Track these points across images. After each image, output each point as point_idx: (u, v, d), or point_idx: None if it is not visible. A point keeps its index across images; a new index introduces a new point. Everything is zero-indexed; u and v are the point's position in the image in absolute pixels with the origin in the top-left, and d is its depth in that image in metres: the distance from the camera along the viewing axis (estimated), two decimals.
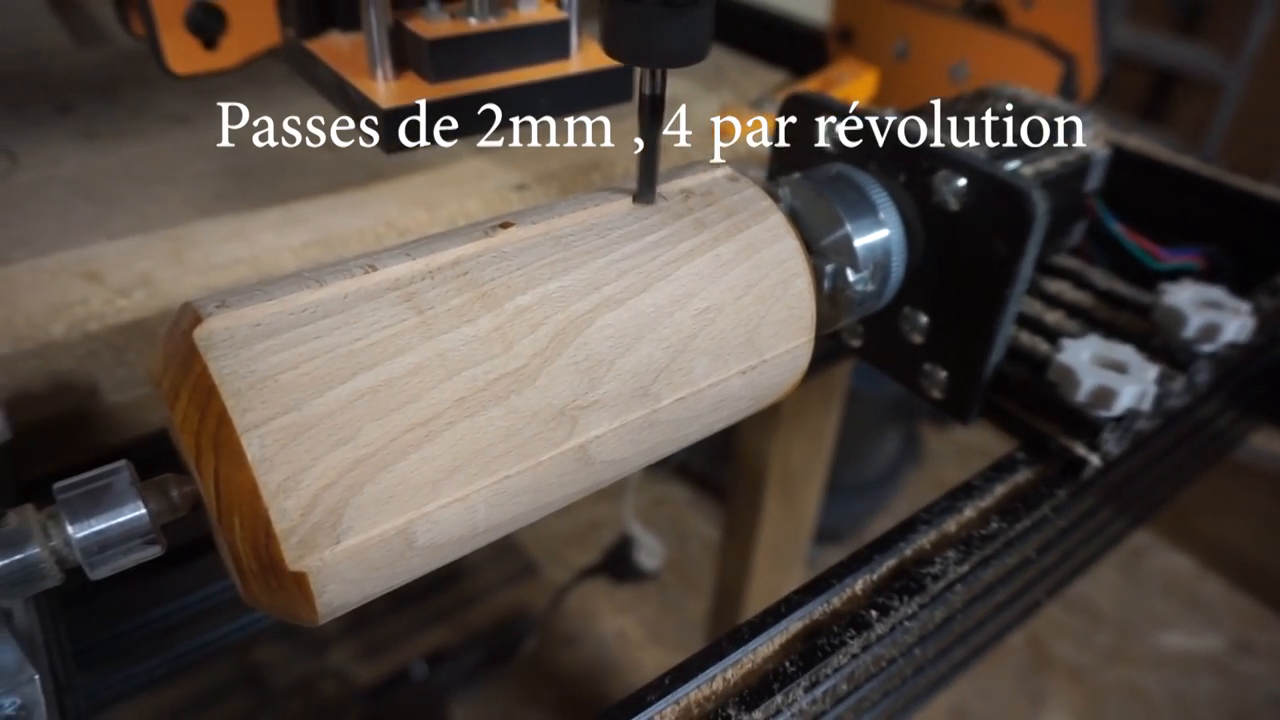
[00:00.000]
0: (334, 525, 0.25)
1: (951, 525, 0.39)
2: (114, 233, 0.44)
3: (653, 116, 0.32)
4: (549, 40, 0.47)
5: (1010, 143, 0.44)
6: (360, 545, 0.26)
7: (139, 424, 0.40)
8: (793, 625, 0.34)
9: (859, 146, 0.42)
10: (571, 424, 0.29)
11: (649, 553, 1.18)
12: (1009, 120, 0.45)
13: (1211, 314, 0.43)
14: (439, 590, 1.61)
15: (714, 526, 1.81)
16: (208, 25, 0.45)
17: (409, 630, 1.55)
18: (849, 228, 0.39)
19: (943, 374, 0.43)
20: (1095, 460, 0.40)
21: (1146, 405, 0.39)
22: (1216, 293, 0.44)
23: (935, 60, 0.70)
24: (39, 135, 0.52)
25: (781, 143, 0.46)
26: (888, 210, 0.40)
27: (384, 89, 0.43)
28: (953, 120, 0.45)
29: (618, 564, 1.21)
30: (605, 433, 0.30)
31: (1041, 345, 0.44)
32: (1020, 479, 0.41)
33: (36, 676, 0.26)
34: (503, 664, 1.52)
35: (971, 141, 0.43)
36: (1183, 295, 0.44)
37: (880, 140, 0.41)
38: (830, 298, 0.39)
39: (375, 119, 0.42)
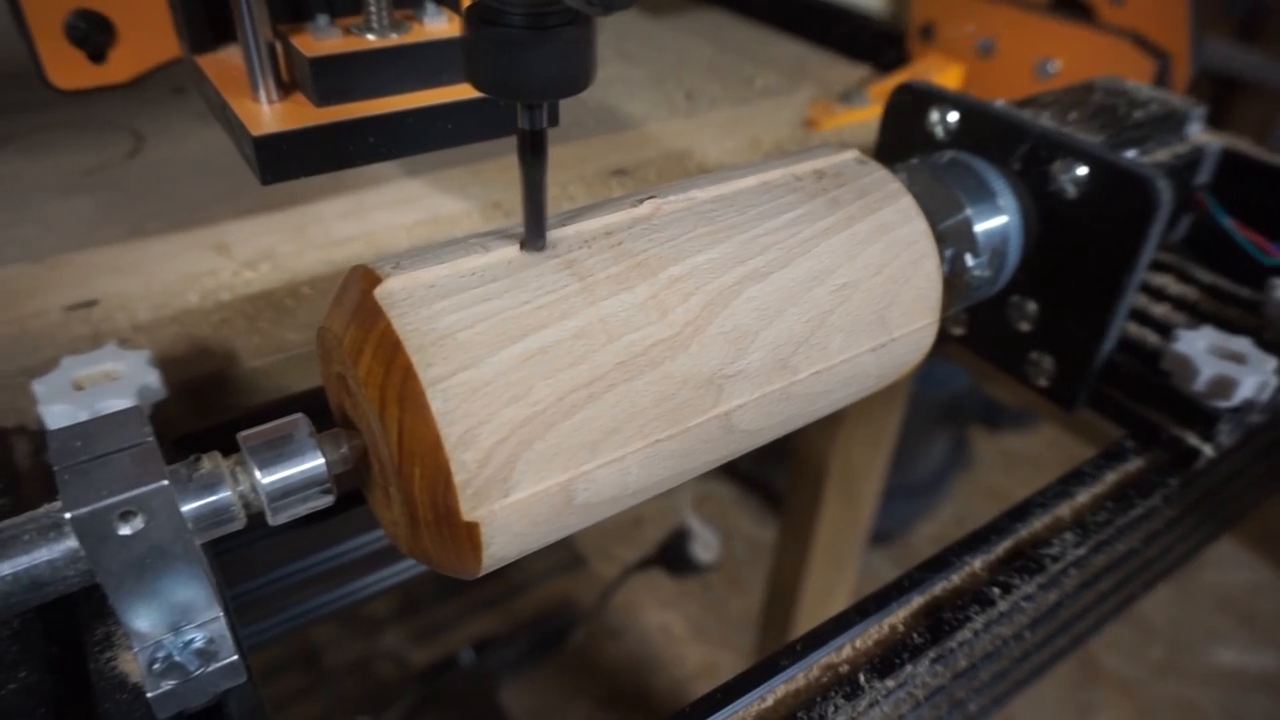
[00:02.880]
0: (505, 479, 0.26)
1: (1065, 510, 0.39)
2: (240, 208, 0.46)
3: (534, 154, 0.27)
4: (457, 59, 0.40)
5: (1125, 133, 0.44)
6: (526, 500, 0.27)
7: (273, 389, 0.41)
8: (915, 600, 0.35)
9: (970, 135, 0.43)
10: (718, 392, 0.30)
11: (704, 546, 1.19)
12: (1121, 112, 0.45)
13: None
14: (488, 578, 1.63)
15: (759, 525, 1.81)
16: (92, 36, 0.41)
17: (459, 616, 1.57)
18: (969, 213, 0.39)
19: (1050, 362, 0.43)
20: (1209, 451, 0.40)
21: (1265, 396, 0.39)
22: None
23: (1021, 56, 0.70)
24: (160, 116, 0.54)
25: (889, 131, 0.47)
26: (1006, 197, 0.40)
27: (265, 112, 0.38)
28: (1063, 111, 0.45)
29: (673, 556, 1.22)
30: (747, 402, 0.31)
31: (1150, 336, 0.44)
32: (1130, 468, 0.41)
33: (222, 614, 0.27)
34: (549, 653, 1.53)
35: (1087, 132, 0.44)
36: None
37: (996, 128, 0.41)
38: (948, 282, 0.39)
39: (249, 146, 0.37)
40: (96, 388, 0.35)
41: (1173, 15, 0.64)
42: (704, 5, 0.89)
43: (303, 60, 0.38)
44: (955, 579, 0.36)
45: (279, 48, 0.39)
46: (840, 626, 0.33)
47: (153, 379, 0.36)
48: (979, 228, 0.39)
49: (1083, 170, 0.39)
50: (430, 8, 0.41)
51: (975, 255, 0.39)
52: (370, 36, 0.39)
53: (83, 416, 0.34)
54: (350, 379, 0.27)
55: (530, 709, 1.48)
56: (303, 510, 0.28)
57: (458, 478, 0.25)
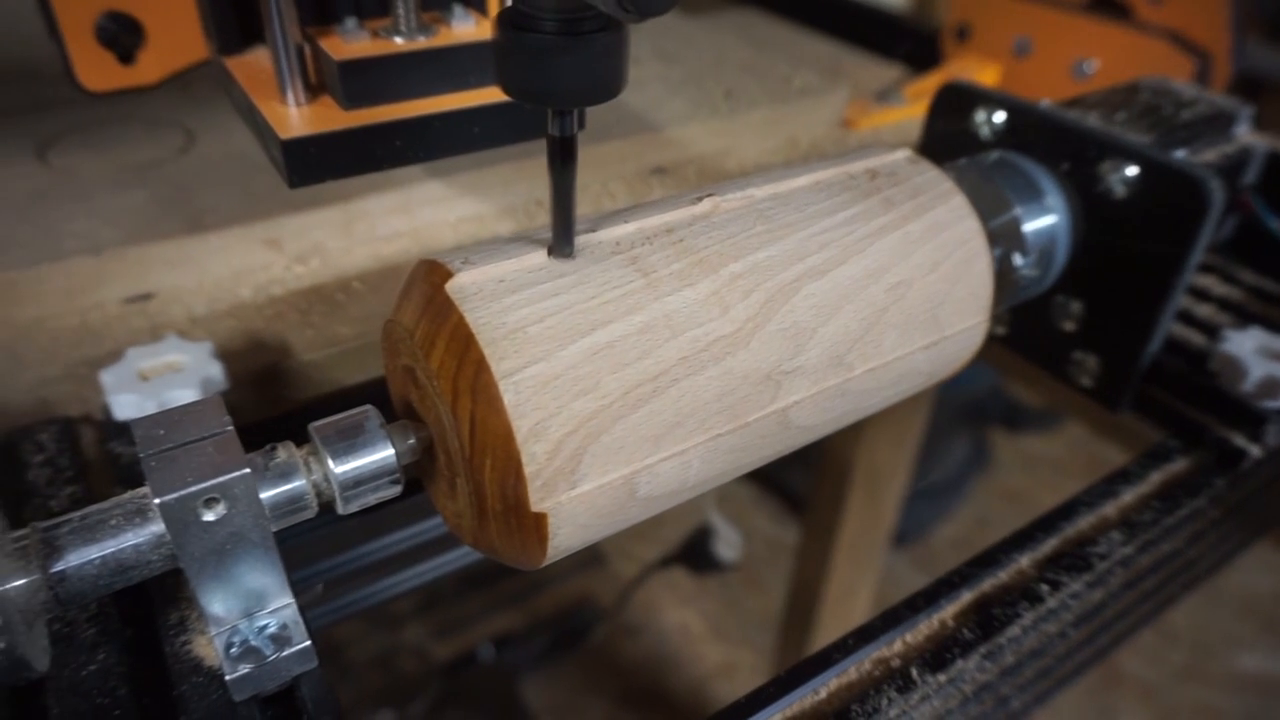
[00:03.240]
0: (572, 471, 0.27)
1: (1111, 509, 0.39)
2: (289, 204, 0.47)
3: (564, 161, 0.27)
4: (485, 62, 0.40)
5: (1173, 134, 0.44)
6: (591, 492, 0.27)
7: (326, 382, 0.42)
8: (964, 595, 0.35)
9: (1017, 135, 0.43)
10: (776, 388, 0.30)
11: (728, 544, 1.19)
12: (1168, 112, 0.45)
13: None
14: (509, 574, 1.64)
15: (777, 525, 1.81)
16: (121, 38, 0.41)
17: (480, 612, 1.58)
18: (1018, 212, 0.39)
19: (1095, 362, 0.43)
20: (1256, 451, 0.40)
21: None
22: None
23: (1057, 56, 0.70)
24: (208, 112, 0.55)
25: (933, 130, 0.47)
26: (1054, 196, 0.40)
27: (293, 115, 0.38)
28: (1110, 112, 0.45)
29: (696, 554, 1.22)
30: (804, 398, 0.31)
31: (1195, 337, 0.44)
32: (1175, 468, 0.41)
33: (293, 600, 0.28)
34: (569, 650, 1.54)
35: (1132, 132, 0.44)
36: None
37: (1044, 129, 0.42)
38: (996, 281, 0.39)
39: (276, 149, 0.37)
40: (161, 378, 0.36)
41: (1213, 14, 0.64)
42: (737, 4, 0.89)
43: (331, 63, 0.38)
44: (1003, 576, 0.36)
45: (307, 50, 0.39)
46: (891, 622, 0.33)
47: (215, 370, 0.36)
48: (1027, 227, 0.39)
49: (1133, 170, 0.39)
50: (458, 10, 0.41)
51: (1024, 254, 0.39)
52: (398, 39, 0.39)
53: (150, 406, 0.35)
54: (420, 371, 0.28)
55: (550, 705, 1.49)
56: (372, 500, 0.28)
57: (528, 469, 0.26)
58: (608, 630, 1.56)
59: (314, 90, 0.39)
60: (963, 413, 1.78)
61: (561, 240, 0.28)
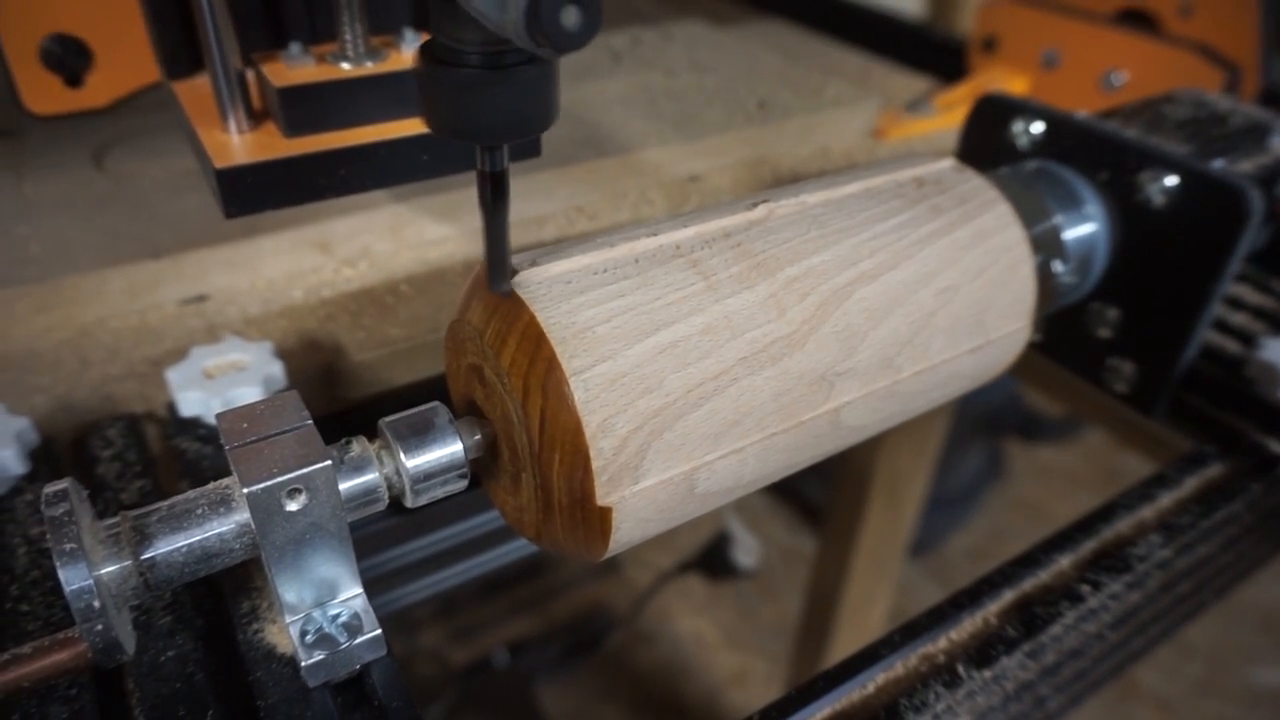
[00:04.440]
0: (636, 466, 0.27)
1: (1149, 512, 0.40)
2: (337, 207, 0.48)
3: (494, 196, 0.26)
4: None
5: (1210, 144, 0.45)
6: (653, 487, 0.28)
7: (378, 382, 0.43)
8: (1006, 594, 0.36)
9: (1054, 145, 0.44)
10: (829, 389, 0.31)
11: (746, 550, 1.20)
12: (1205, 124, 0.46)
13: None
14: (524, 581, 1.64)
15: (792, 533, 1.81)
16: (68, 61, 0.40)
17: (497, 618, 1.59)
18: (1058, 220, 0.40)
19: (1131, 369, 0.44)
20: None
21: None
22: None
23: (1086, 68, 0.71)
24: None
25: (970, 139, 0.48)
26: (1093, 205, 0.41)
27: (234, 143, 0.37)
28: (1148, 122, 0.46)
29: (713, 560, 1.22)
30: (855, 399, 0.32)
31: (1230, 345, 0.45)
32: (1212, 473, 0.42)
33: (363, 590, 0.29)
34: (584, 657, 1.54)
35: (1170, 143, 0.44)
36: None
37: (1082, 139, 0.42)
38: (1039, 287, 0.40)
39: (211, 178, 0.36)
40: (225, 377, 0.37)
41: (1242, 26, 0.65)
42: (766, 15, 0.90)
43: (272, 90, 0.37)
44: (1044, 575, 0.37)
45: (251, 76, 0.38)
46: (935, 619, 0.34)
47: (276, 369, 0.37)
48: (1067, 234, 0.40)
49: (1172, 180, 0.39)
50: (409, 35, 0.40)
51: (1064, 262, 0.40)
52: (345, 65, 0.38)
53: (215, 403, 0.36)
54: (489, 369, 0.29)
55: (564, 711, 1.49)
56: (440, 494, 0.29)
57: (595, 464, 0.27)
58: (622, 637, 1.57)
59: (258, 118, 0.38)
60: (978, 423, 1.78)
61: (496, 276, 0.27)
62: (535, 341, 0.27)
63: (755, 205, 0.33)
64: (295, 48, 0.38)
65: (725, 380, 0.29)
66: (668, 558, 1.55)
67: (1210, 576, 0.44)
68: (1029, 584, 0.36)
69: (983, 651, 0.33)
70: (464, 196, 0.51)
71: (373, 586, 0.44)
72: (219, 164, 0.35)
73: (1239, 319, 0.47)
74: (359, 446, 0.28)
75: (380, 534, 0.42)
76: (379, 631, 0.28)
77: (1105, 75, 0.70)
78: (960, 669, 0.32)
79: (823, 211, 0.34)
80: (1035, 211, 0.41)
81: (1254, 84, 0.65)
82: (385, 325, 0.44)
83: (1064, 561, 0.37)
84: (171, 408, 0.37)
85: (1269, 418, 0.41)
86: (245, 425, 0.26)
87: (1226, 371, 0.43)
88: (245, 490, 0.25)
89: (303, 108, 0.37)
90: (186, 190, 0.49)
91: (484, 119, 0.24)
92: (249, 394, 0.36)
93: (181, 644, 0.29)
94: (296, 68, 0.37)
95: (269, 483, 0.25)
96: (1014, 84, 0.73)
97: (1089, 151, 0.43)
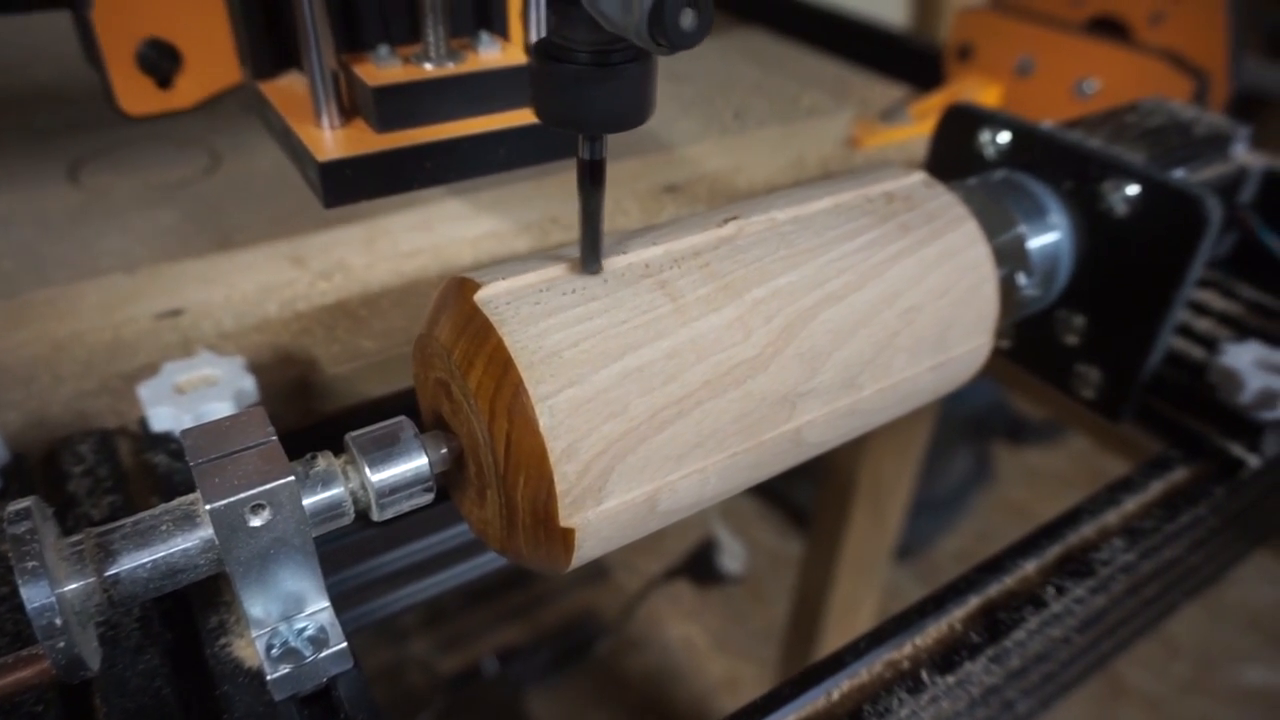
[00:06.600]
0: (599, 489, 0.28)
1: (1113, 517, 0.40)
2: (312, 222, 0.48)
3: (593, 183, 0.29)
4: (511, 87, 0.42)
5: (1172, 154, 0.45)
6: (616, 508, 0.28)
7: (352, 395, 0.43)
8: (971, 600, 0.36)
9: (1021, 155, 0.44)
10: (791, 408, 0.32)
11: (731, 556, 1.20)
12: (1168, 133, 0.46)
13: None
14: (513, 588, 1.64)
15: (782, 538, 1.82)
16: (161, 64, 0.42)
17: (485, 626, 1.59)
18: (1022, 230, 0.41)
19: (1097, 375, 0.44)
20: (1254, 461, 0.41)
21: None
22: None
23: (1059, 76, 0.72)
24: (233, 132, 0.57)
25: (939, 149, 0.48)
26: (1057, 215, 0.42)
27: (328, 138, 0.39)
28: (1112, 132, 0.47)
29: (700, 567, 1.23)
30: (816, 418, 0.32)
31: (1194, 350, 0.45)
32: (1176, 477, 0.42)
33: (329, 604, 0.29)
34: (574, 664, 1.54)
35: (1133, 152, 0.45)
36: None
37: (1047, 149, 0.43)
38: (1001, 299, 0.41)
39: (314, 171, 0.38)
40: (197, 392, 0.37)
41: (1211, 34, 0.66)
42: (745, 25, 0.91)
43: (365, 89, 0.39)
44: (1009, 581, 0.37)
45: (340, 76, 0.41)
46: (901, 625, 0.34)
47: (248, 384, 0.38)
48: (1032, 245, 0.41)
49: (1134, 189, 0.40)
50: (485, 37, 0.43)
51: (1028, 273, 0.41)
52: (428, 66, 0.40)
53: (186, 419, 0.36)
54: (457, 388, 0.29)
55: (554, 718, 1.49)
56: (405, 507, 0.29)
57: (559, 487, 0.27)
58: (612, 644, 1.57)
59: (347, 114, 0.41)
60: (965, 426, 1.79)
61: (589, 257, 0.30)
62: (503, 365, 0.27)
63: (726, 222, 0.33)
64: (384, 49, 0.41)
65: (689, 404, 0.29)
66: (658, 563, 1.55)
67: (1178, 579, 0.45)
68: (994, 590, 0.37)
69: (947, 657, 0.34)
70: (436, 211, 0.51)
71: (352, 597, 0.44)
72: (321, 158, 0.38)
73: (1204, 325, 0.48)
74: (324, 461, 0.28)
75: (358, 545, 0.43)
76: (345, 645, 0.28)
77: (1078, 83, 0.70)
78: (924, 675, 0.33)
79: (792, 229, 0.34)
80: (1001, 223, 0.41)
81: (1223, 91, 0.66)
82: (359, 338, 0.44)
83: (1029, 567, 0.38)
84: (144, 423, 0.37)
85: (1231, 422, 0.42)
86: (210, 442, 0.27)
87: (1191, 377, 0.44)
88: (208, 506, 0.25)
89: (393, 105, 0.39)
90: (161, 205, 0.49)
91: (589, 111, 0.26)
92: (220, 409, 0.36)
93: (149, 659, 0.29)
94: (386, 68, 0.40)
95: (232, 499, 0.25)
96: (988, 92, 0.74)
97: (1054, 161, 0.43)
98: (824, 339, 0.32)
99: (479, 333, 0.28)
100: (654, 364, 0.29)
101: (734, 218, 0.33)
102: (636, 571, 1.64)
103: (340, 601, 0.31)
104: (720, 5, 0.91)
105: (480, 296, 0.28)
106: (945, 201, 0.37)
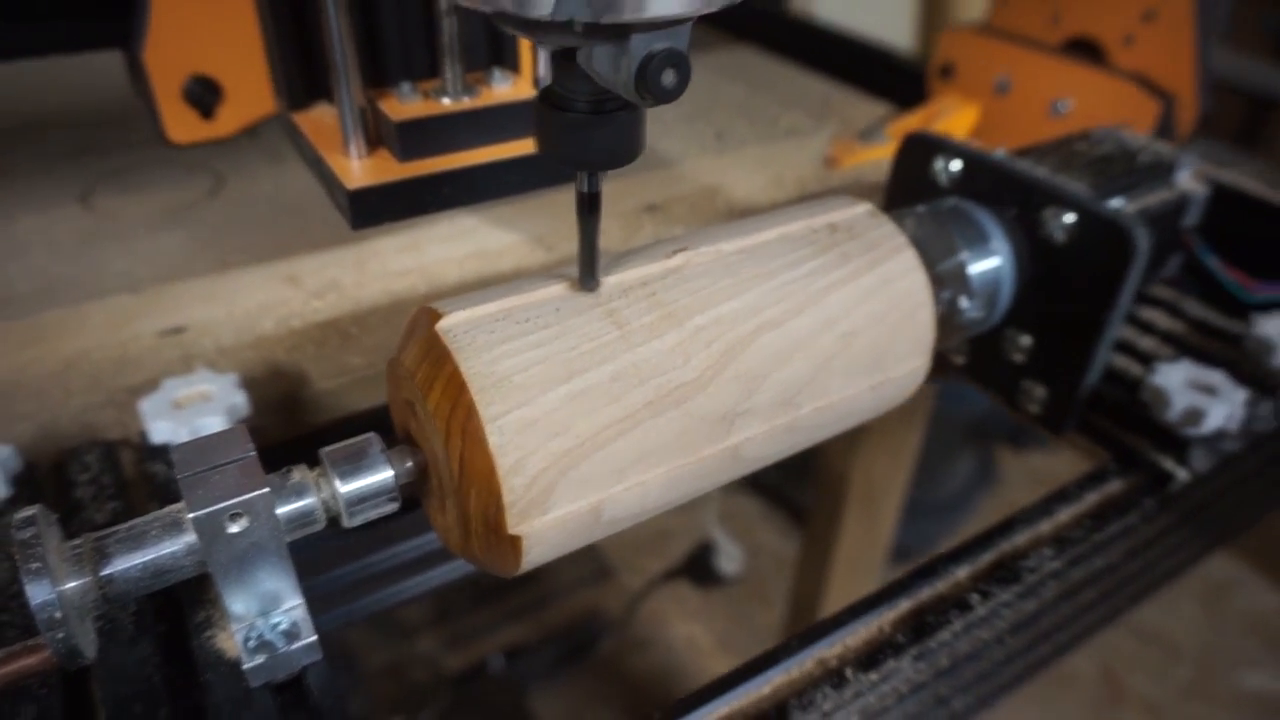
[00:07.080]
0: (545, 500, 0.31)
1: (1046, 526, 0.43)
2: (309, 243, 0.52)
3: (590, 212, 0.33)
4: (521, 119, 0.46)
5: (1114, 182, 0.48)
6: (562, 517, 0.31)
7: (339, 408, 0.46)
8: (902, 604, 0.39)
9: (972, 182, 0.47)
10: (729, 426, 0.34)
11: (729, 558, 1.23)
12: (1113, 161, 0.49)
13: None
14: (518, 588, 1.67)
15: (784, 540, 1.84)
16: (205, 97, 0.46)
17: (490, 624, 1.62)
18: (964, 256, 0.43)
19: (1041, 391, 0.47)
20: (1182, 474, 0.44)
21: (1234, 426, 0.43)
22: None
23: (1035, 96, 0.74)
24: (236, 156, 0.60)
25: (898, 176, 0.51)
26: (999, 241, 0.44)
27: (355, 166, 0.43)
28: (1060, 160, 0.49)
29: (698, 568, 1.26)
30: (755, 435, 0.35)
31: (1135, 368, 0.48)
32: (1112, 489, 0.45)
33: (303, 601, 0.32)
34: (578, 662, 1.57)
35: (1078, 180, 0.48)
36: (1273, 326, 0.47)
37: (995, 177, 0.46)
38: (943, 319, 0.43)
39: (343, 197, 0.42)
40: (193, 407, 0.40)
41: (1178, 58, 0.68)
42: (736, 42, 0.94)
43: (389, 123, 0.43)
44: (940, 586, 0.40)
45: (368, 111, 0.44)
46: (832, 626, 0.37)
47: (240, 399, 0.41)
48: (972, 270, 0.43)
49: (1070, 217, 0.43)
50: (497, 73, 0.47)
51: (969, 296, 0.43)
52: (446, 100, 0.44)
53: (183, 433, 0.39)
54: (419, 408, 0.32)
55: (558, 716, 1.52)
56: (373, 515, 0.33)
57: (506, 499, 0.30)
58: (616, 642, 1.60)
59: (372, 144, 0.44)
60: (968, 430, 1.80)
61: (587, 275, 0.33)
62: (458, 389, 0.30)
63: (675, 253, 0.36)
64: (406, 86, 0.44)
65: (630, 423, 0.32)
66: (661, 564, 1.58)
67: (1119, 584, 0.47)
68: (925, 594, 0.40)
69: (872, 656, 0.36)
70: (424, 233, 0.54)
71: (336, 599, 0.48)
72: (350, 186, 0.42)
73: (1147, 343, 0.50)
74: (298, 474, 0.31)
75: (335, 551, 0.46)
76: (315, 638, 0.31)
77: (1053, 103, 0.73)
78: (848, 672, 0.36)
79: (737, 260, 0.37)
80: (944, 249, 0.44)
81: (1190, 112, 0.68)
82: (347, 354, 0.48)
83: (961, 573, 0.40)
84: (144, 435, 0.41)
85: (1161, 437, 0.44)
86: (196, 456, 0.30)
87: (1128, 393, 0.46)
88: (191, 515, 0.28)
89: (415, 137, 0.43)
90: (167, 227, 0.53)
91: (587, 152, 0.30)
92: (213, 423, 0.40)
93: (141, 649, 0.32)
94: (408, 104, 0.44)
95: (212, 508, 0.28)
96: (967, 111, 0.76)
97: (1001, 189, 0.46)
98: (761, 362, 0.35)
99: (439, 359, 0.31)
100: (598, 387, 0.31)
101: (683, 249, 0.36)
102: (641, 571, 1.66)
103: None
104: (712, 23, 0.94)
105: (441, 326, 0.32)
106: (886, 231, 0.40)
